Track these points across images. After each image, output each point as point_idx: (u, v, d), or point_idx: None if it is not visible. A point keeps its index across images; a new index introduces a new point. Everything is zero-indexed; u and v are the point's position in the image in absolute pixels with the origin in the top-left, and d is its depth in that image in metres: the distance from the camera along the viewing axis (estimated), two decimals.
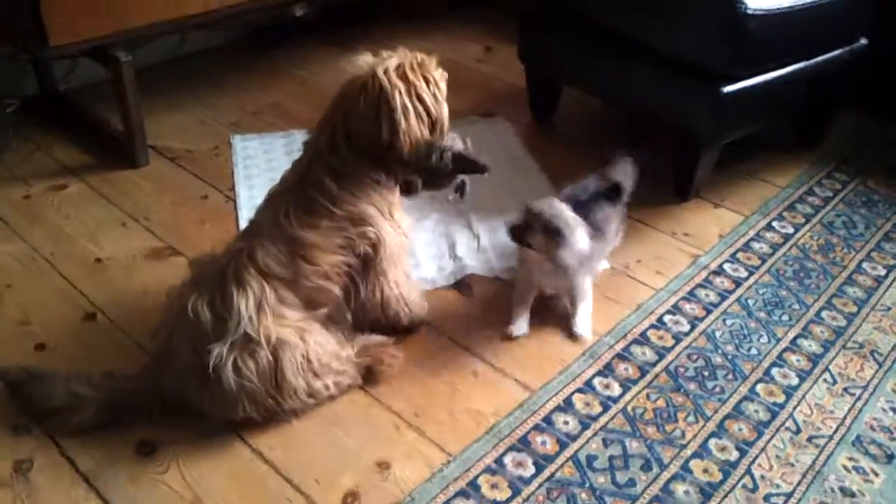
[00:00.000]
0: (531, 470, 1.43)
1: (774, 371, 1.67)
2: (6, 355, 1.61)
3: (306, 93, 2.73)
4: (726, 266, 1.96)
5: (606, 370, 1.65)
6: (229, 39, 3.04)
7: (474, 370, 1.64)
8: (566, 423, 1.53)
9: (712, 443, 1.50)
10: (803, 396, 1.61)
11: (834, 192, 2.27)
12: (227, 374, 1.37)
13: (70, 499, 1.35)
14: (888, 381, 1.65)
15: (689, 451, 1.48)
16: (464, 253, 1.94)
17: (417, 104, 1.48)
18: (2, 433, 1.45)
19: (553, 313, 1.79)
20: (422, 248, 1.96)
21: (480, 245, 1.98)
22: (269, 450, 1.45)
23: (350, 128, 1.48)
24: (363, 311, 1.61)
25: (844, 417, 1.56)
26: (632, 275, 1.93)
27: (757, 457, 1.47)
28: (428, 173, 1.63)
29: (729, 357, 1.70)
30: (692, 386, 1.62)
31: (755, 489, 1.41)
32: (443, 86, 1.53)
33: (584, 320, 1.75)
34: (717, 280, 1.92)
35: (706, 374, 1.65)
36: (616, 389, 1.61)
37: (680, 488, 1.41)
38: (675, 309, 1.82)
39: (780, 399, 1.60)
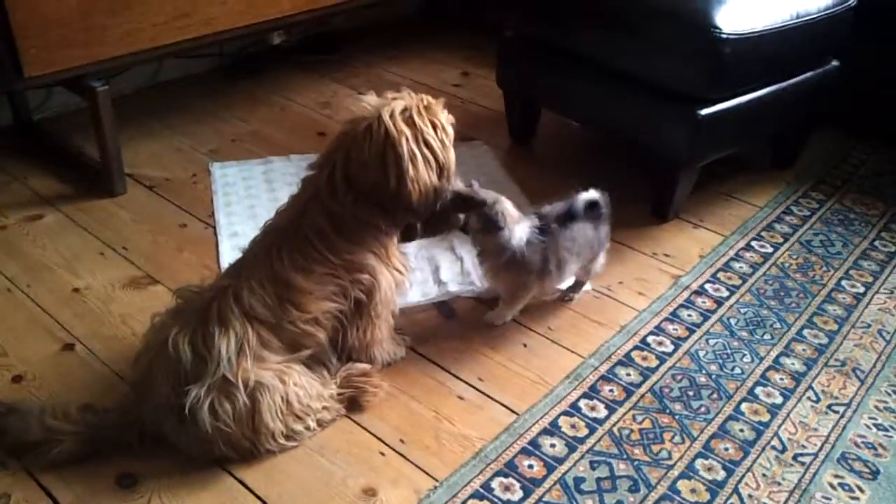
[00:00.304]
0: (519, 494, 1.41)
1: (758, 390, 1.67)
2: None
3: (285, 120, 2.73)
4: (707, 286, 1.98)
5: (592, 392, 1.65)
6: (207, 67, 3.04)
7: (459, 395, 1.63)
8: (553, 445, 1.52)
9: (699, 463, 1.50)
10: (788, 415, 1.61)
11: (811, 212, 2.30)
12: (204, 415, 1.34)
13: None
14: (871, 398, 1.66)
15: (676, 472, 1.47)
16: (448, 278, 1.94)
17: (425, 150, 1.44)
18: None
19: (536, 336, 1.79)
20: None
21: (464, 268, 1.98)
22: (253, 480, 1.42)
23: (350, 171, 1.44)
24: (348, 351, 1.60)
25: (829, 435, 1.57)
26: (614, 296, 1.93)
27: (744, 476, 1.47)
28: (432, 215, 1.58)
29: (713, 377, 1.70)
30: (677, 406, 1.62)
31: None
32: (450, 130, 1.50)
33: (496, 312, 1.80)
34: (699, 300, 1.93)
35: (691, 394, 1.65)
36: (602, 411, 1.60)
37: None
38: (659, 330, 1.83)
39: (765, 418, 1.60)
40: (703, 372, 1.71)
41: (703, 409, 1.62)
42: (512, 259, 1.68)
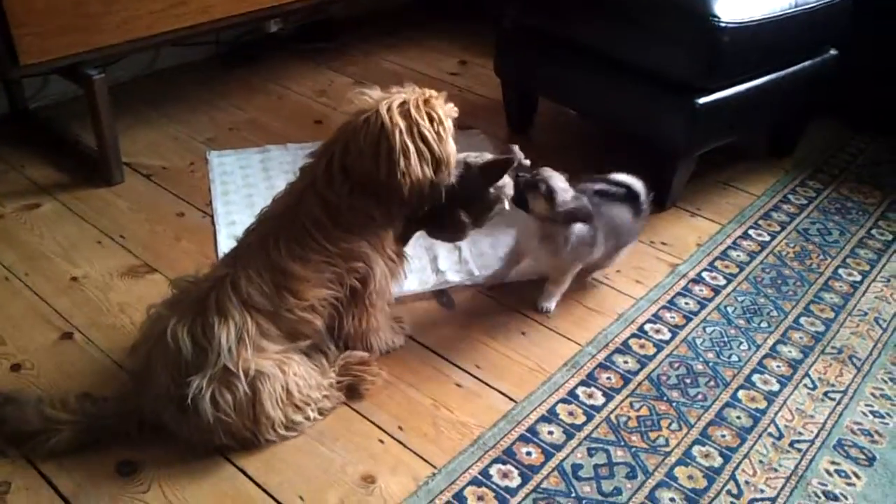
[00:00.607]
0: (517, 481, 1.42)
1: (755, 377, 1.68)
2: None
3: (282, 108, 2.72)
4: (705, 274, 1.98)
5: (589, 379, 1.65)
6: (204, 55, 3.02)
7: (457, 382, 1.64)
8: (550, 433, 1.52)
9: (696, 449, 1.50)
10: (784, 402, 1.62)
11: (808, 200, 2.31)
12: (205, 406, 1.35)
13: None
14: (867, 385, 1.67)
15: (673, 459, 1.48)
16: (446, 267, 1.94)
17: (420, 143, 1.43)
18: None
19: (534, 324, 1.80)
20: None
21: (462, 256, 1.98)
22: (253, 467, 1.43)
23: (347, 162, 1.45)
24: (345, 339, 1.60)
25: (825, 422, 1.58)
26: (612, 285, 1.94)
27: (740, 462, 1.48)
28: (465, 202, 1.57)
29: (710, 364, 1.71)
30: (675, 394, 1.63)
31: (740, 495, 1.42)
32: (448, 123, 1.47)
33: (548, 295, 1.81)
34: (696, 288, 1.93)
35: (688, 381, 1.66)
36: (599, 399, 1.61)
37: (665, 495, 1.41)
38: (656, 318, 1.83)
39: (762, 405, 1.61)
40: (701, 360, 1.72)
41: (700, 397, 1.62)
42: (578, 242, 1.70)
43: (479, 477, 1.43)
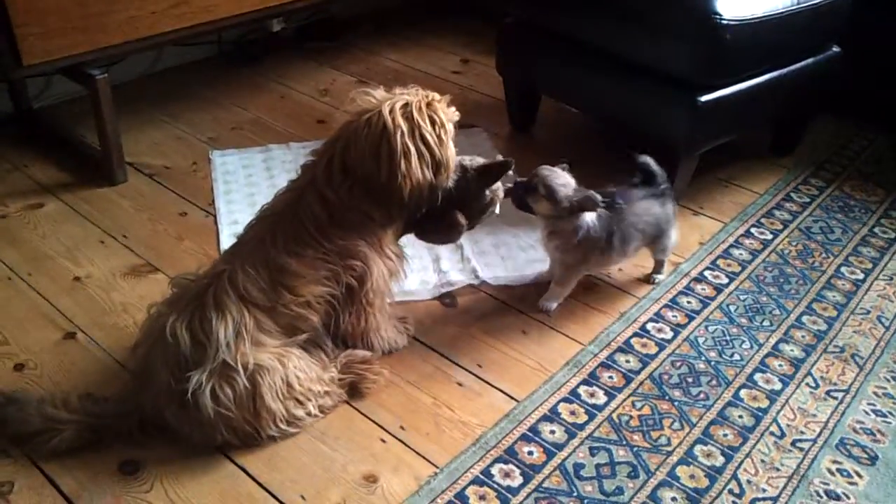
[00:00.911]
0: (519, 480, 1.42)
1: (757, 376, 1.68)
2: None
3: (284, 107, 2.72)
4: (707, 273, 1.98)
5: (591, 379, 1.65)
6: (206, 55, 3.03)
7: (459, 381, 1.64)
8: (552, 432, 1.53)
9: (698, 449, 1.50)
10: (787, 401, 1.62)
11: (811, 198, 2.30)
12: (206, 400, 1.35)
13: None
14: (869, 384, 1.67)
15: (675, 458, 1.48)
16: (448, 267, 1.94)
17: (421, 146, 1.43)
18: None
19: (535, 323, 1.80)
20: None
21: (464, 255, 1.98)
22: (254, 466, 1.43)
23: (348, 161, 1.45)
24: (342, 338, 1.60)
25: (827, 421, 1.58)
26: (614, 283, 1.94)
27: (742, 462, 1.48)
28: (461, 203, 1.58)
29: (712, 363, 1.71)
30: (677, 393, 1.63)
31: (742, 494, 1.42)
32: (450, 127, 1.48)
33: (551, 295, 1.82)
34: (699, 287, 1.93)
35: (690, 380, 1.66)
36: (601, 398, 1.61)
37: (667, 495, 1.41)
38: (658, 317, 1.83)
39: (764, 404, 1.61)
40: (703, 358, 1.72)
41: (702, 396, 1.62)
42: (586, 235, 1.70)
43: (481, 476, 1.43)
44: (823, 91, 2.37)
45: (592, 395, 1.62)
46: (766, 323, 1.83)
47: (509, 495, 1.39)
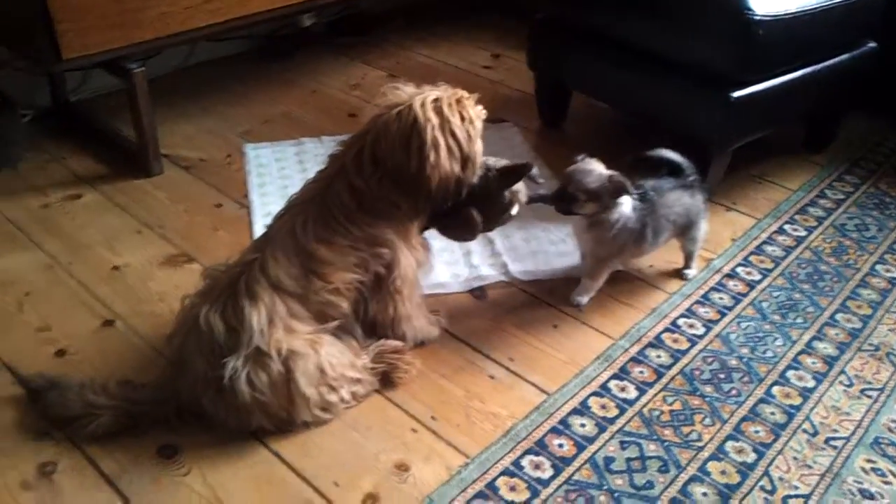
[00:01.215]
0: (549, 472, 1.43)
1: (790, 373, 1.67)
2: (28, 362, 1.62)
3: (315, 102, 2.74)
4: (739, 269, 1.97)
5: (622, 373, 1.65)
6: (238, 50, 3.06)
7: (490, 373, 1.65)
8: (583, 425, 1.53)
9: (729, 445, 1.50)
10: (820, 398, 1.61)
11: (845, 195, 2.28)
12: (242, 386, 1.38)
13: (94, 500, 1.36)
14: None
15: (706, 454, 1.48)
16: (479, 261, 1.95)
17: (450, 140, 1.47)
18: (26, 437, 1.46)
19: (566, 317, 1.80)
20: (436, 253, 1.96)
21: (494, 249, 1.99)
22: (289, 452, 1.45)
23: (378, 151, 1.48)
24: (373, 327, 1.62)
25: (861, 419, 1.57)
26: (645, 279, 1.94)
27: (774, 459, 1.48)
28: (482, 203, 1.61)
29: (744, 360, 1.70)
30: (708, 388, 1.62)
31: (773, 491, 1.41)
32: (478, 124, 1.52)
33: (582, 289, 1.82)
34: (731, 283, 1.92)
35: (722, 376, 1.66)
36: (632, 392, 1.61)
37: (698, 490, 1.41)
38: (690, 312, 1.83)
39: (797, 401, 1.60)
40: (735, 355, 1.71)
41: (734, 392, 1.62)
42: (623, 227, 1.71)
43: (512, 468, 1.44)
44: (858, 87, 2.34)
45: (623, 389, 1.62)
46: (799, 320, 1.81)
47: (539, 487, 1.40)
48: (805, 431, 1.53)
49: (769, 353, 1.72)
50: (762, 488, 1.42)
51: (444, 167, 1.46)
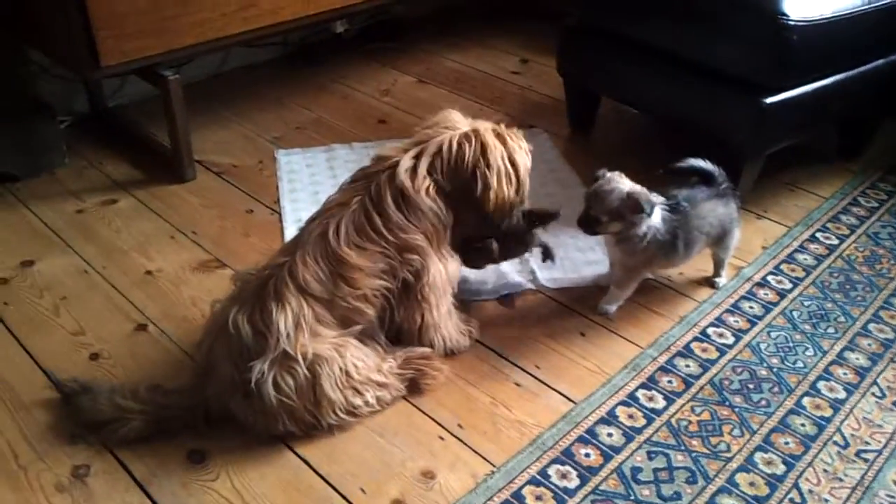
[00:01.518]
0: (576, 482, 1.43)
1: (821, 384, 1.65)
2: (64, 365, 1.66)
3: (347, 108, 2.77)
4: (770, 278, 1.95)
5: (650, 382, 1.65)
6: (271, 56, 3.10)
7: (517, 382, 1.65)
8: (610, 435, 1.53)
9: (758, 456, 1.49)
10: (851, 410, 1.59)
11: (879, 203, 2.24)
12: (269, 389, 1.40)
13: (125, 503, 1.39)
14: None
15: (734, 465, 1.47)
16: (507, 269, 1.95)
17: (510, 167, 1.58)
18: (60, 440, 1.50)
19: (594, 325, 1.80)
20: None
21: (522, 257, 1.99)
22: (315, 458, 1.47)
23: (438, 166, 1.55)
24: (399, 334, 1.63)
25: (894, 432, 1.54)
26: (674, 287, 1.92)
27: (804, 471, 1.46)
28: (504, 236, 1.71)
29: (774, 370, 1.68)
30: (737, 399, 1.61)
31: (803, 503, 1.40)
32: (528, 157, 1.64)
33: (611, 298, 1.83)
34: (761, 292, 1.90)
35: (751, 386, 1.64)
36: (660, 402, 1.60)
37: (726, 502, 1.40)
38: (719, 321, 1.81)
39: (828, 413, 1.58)
40: (765, 365, 1.69)
41: (763, 403, 1.60)
42: (652, 238, 1.71)
43: (538, 477, 1.44)
44: (893, 93, 2.30)
45: (651, 398, 1.61)
46: (830, 330, 1.79)
47: (566, 496, 1.40)
48: (836, 443, 1.51)
49: (799, 364, 1.70)
50: (791, 501, 1.40)
51: (504, 191, 1.57)
